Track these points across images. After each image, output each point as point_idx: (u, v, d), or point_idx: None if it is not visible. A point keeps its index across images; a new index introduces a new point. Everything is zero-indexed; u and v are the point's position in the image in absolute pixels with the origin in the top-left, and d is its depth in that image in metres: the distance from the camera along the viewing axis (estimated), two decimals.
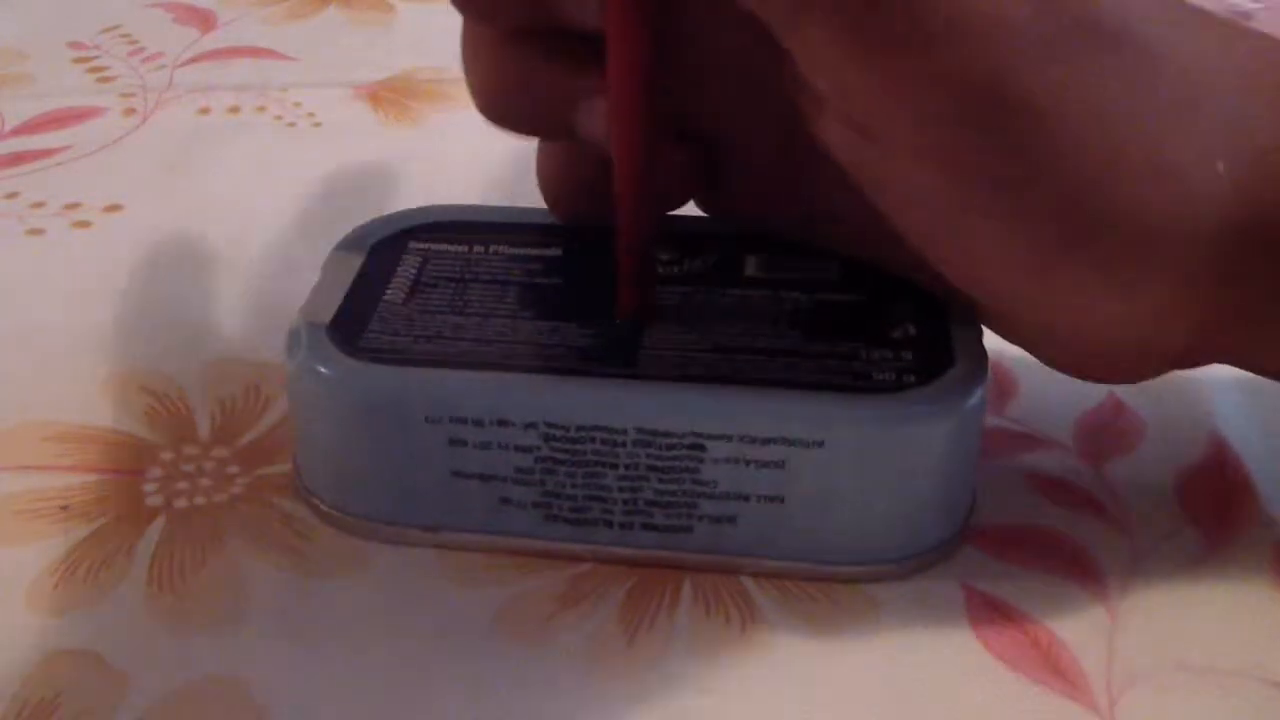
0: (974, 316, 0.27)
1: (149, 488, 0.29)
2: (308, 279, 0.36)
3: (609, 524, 0.27)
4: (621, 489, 0.26)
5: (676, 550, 0.27)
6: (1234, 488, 0.29)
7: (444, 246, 0.29)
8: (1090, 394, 0.31)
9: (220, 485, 0.29)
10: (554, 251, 0.29)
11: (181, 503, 0.29)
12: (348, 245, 0.30)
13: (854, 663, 0.25)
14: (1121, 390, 0.31)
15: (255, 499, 0.29)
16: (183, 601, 0.26)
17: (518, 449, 0.26)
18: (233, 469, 0.30)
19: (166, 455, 0.30)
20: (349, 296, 0.28)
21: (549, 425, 0.26)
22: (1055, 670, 0.25)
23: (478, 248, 0.29)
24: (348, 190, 0.41)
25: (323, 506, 0.28)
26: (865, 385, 0.26)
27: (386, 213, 0.31)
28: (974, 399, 0.26)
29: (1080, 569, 0.27)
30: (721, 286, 0.28)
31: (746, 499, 0.26)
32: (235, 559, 0.27)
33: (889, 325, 0.27)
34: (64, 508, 0.28)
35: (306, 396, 0.27)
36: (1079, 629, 0.26)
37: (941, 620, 0.26)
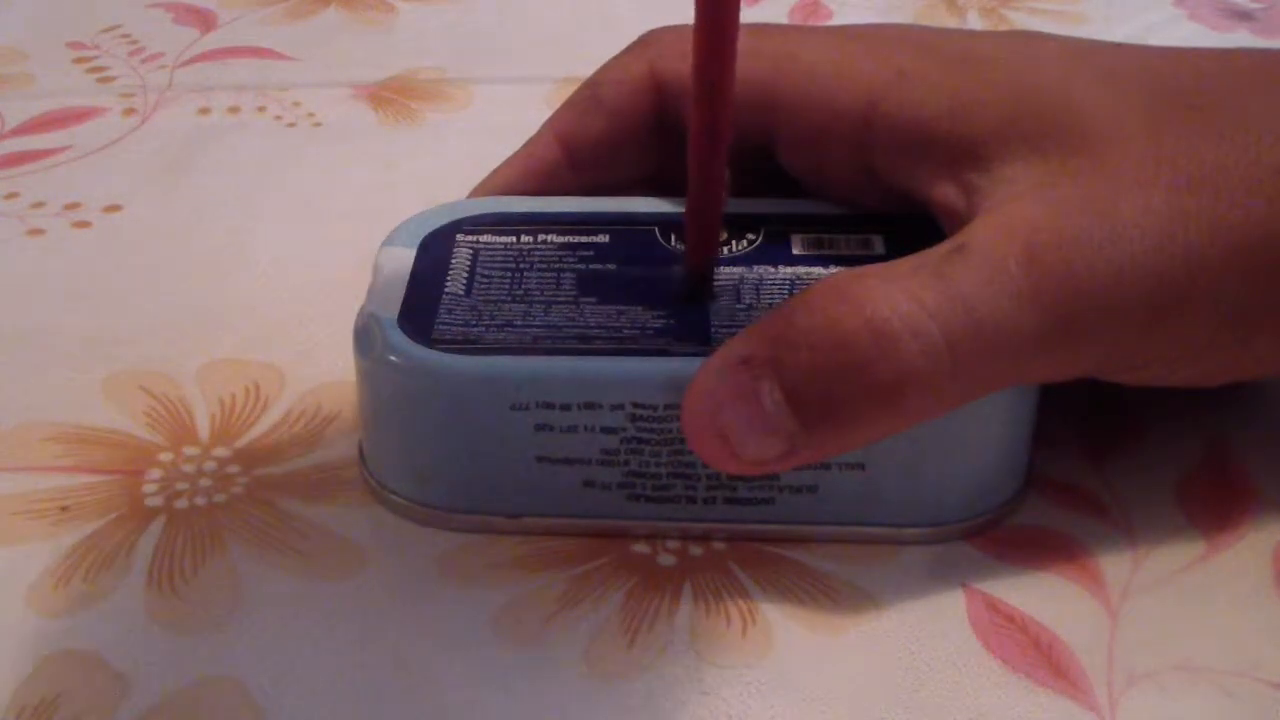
0: None
1: (149, 488, 0.29)
2: (308, 279, 0.36)
3: (691, 500, 0.27)
4: (705, 464, 0.26)
5: (757, 523, 0.27)
6: (1234, 488, 0.29)
7: (492, 238, 0.30)
8: (1091, 394, 0.31)
9: (220, 485, 0.29)
10: (601, 238, 0.30)
11: (181, 503, 0.29)
12: (396, 240, 0.30)
13: (854, 663, 0.25)
14: (1121, 391, 0.31)
15: (255, 499, 0.29)
16: (183, 601, 0.26)
17: (604, 431, 0.26)
18: (233, 469, 0.30)
19: (166, 455, 0.30)
20: (410, 290, 0.28)
21: (636, 405, 0.26)
22: (1055, 670, 0.25)
23: (525, 237, 0.30)
24: (347, 190, 0.41)
25: (399, 500, 0.28)
26: None
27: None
28: None
29: (1080, 569, 0.27)
30: (773, 264, 0.29)
31: (828, 467, 0.27)
32: (235, 559, 0.27)
33: None
34: (64, 508, 0.28)
35: (384, 390, 0.27)
36: (1079, 629, 0.26)
37: (941, 620, 0.26)
